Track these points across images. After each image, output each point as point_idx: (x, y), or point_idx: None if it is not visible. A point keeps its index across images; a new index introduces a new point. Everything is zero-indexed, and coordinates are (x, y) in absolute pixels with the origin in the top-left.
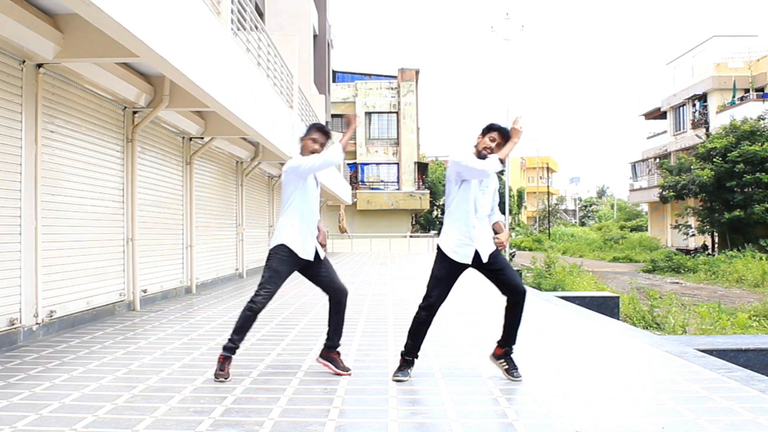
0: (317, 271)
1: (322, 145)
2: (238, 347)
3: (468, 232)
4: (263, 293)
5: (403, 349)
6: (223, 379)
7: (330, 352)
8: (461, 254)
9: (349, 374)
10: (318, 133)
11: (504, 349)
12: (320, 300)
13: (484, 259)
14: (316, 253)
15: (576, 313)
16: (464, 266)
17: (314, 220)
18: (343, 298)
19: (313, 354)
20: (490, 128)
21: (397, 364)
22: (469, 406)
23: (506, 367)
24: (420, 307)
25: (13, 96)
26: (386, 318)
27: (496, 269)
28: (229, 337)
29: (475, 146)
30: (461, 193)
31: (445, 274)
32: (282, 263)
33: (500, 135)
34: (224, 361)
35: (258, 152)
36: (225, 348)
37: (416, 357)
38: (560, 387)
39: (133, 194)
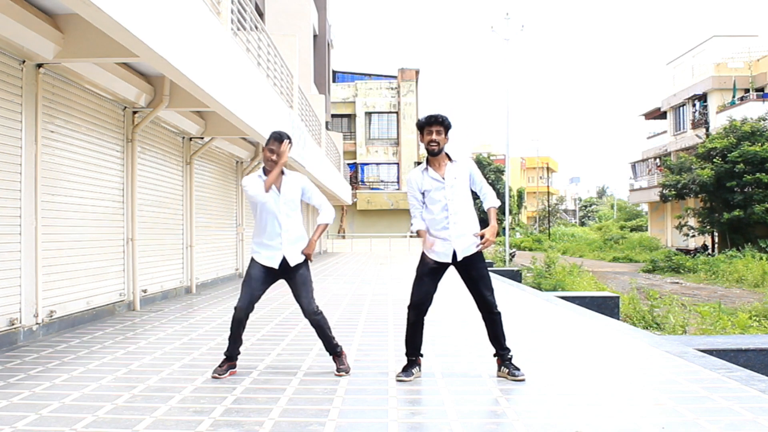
0: (291, 285)
1: (274, 152)
2: (234, 353)
3: (442, 231)
4: (239, 297)
5: (405, 349)
6: (216, 375)
7: (332, 355)
8: (440, 253)
9: (342, 375)
10: (275, 143)
11: (500, 357)
12: (320, 300)
13: (459, 257)
14: (288, 264)
15: (576, 313)
16: (445, 265)
17: (279, 227)
18: (312, 318)
19: (314, 354)
20: (428, 122)
21: (403, 365)
22: (469, 406)
23: (507, 371)
24: (407, 307)
25: (13, 96)
26: (386, 318)
27: (471, 279)
28: (227, 345)
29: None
30: (427, 198)
31: (426, 271)
32: (253, 267)
33: (435, 125)
34: (225, 362)
35: (258, 152)
36: (225, 354)
37: (420, 355)
38: (560, 387)
39: (133, 194)
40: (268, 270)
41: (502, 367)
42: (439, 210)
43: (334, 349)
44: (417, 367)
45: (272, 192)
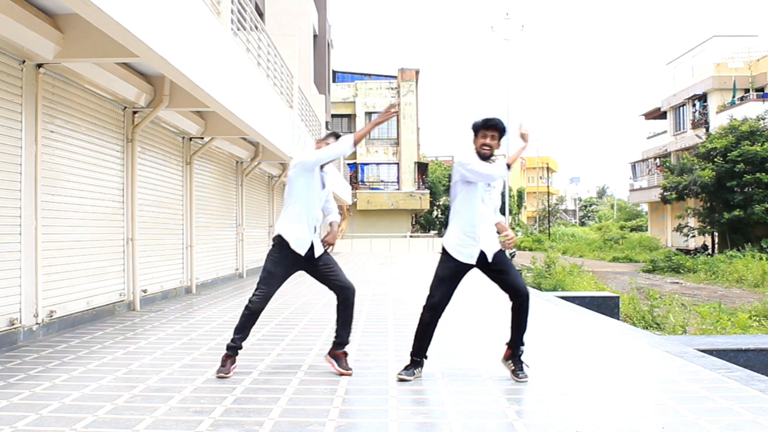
0: (320, 270)
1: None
2: (239, 346)
3: (473, 232)
4: (258, 293)
5: (411, 348)
6: (223, 375)
7: (337, 350)
8: (466, 254)
9: (350, 375)
10: (334, 141)
11: (512, 350)
12: (320, 300)
13: (490, 258)
14: (312, 254)
15: (576, 313)
16: (468, 267)
17: (316, 218)
18: (350, 295)
19: (314, 353)
20: (485, 125)
21: (405, 364)
22: (469, 406)
23: (512, 368)
24: (424, 307)
25: (13, 96)
26: (386, 318)
27: (499, 270)
28: (232, 336)
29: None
30: (466, 193)
31: (448, 273)
32: (275, 264)
33: (492, 130)
34: (227, 359)
35: (258, 152)
36: (228, 347)
37: (425, 357)
38: (560, 387)
39: (133, 194)
40: (293, 260)
41: (510, 361)
42: (477, 203)
43: (345, 344)
44: (419, 368)
45: (318, 184)
